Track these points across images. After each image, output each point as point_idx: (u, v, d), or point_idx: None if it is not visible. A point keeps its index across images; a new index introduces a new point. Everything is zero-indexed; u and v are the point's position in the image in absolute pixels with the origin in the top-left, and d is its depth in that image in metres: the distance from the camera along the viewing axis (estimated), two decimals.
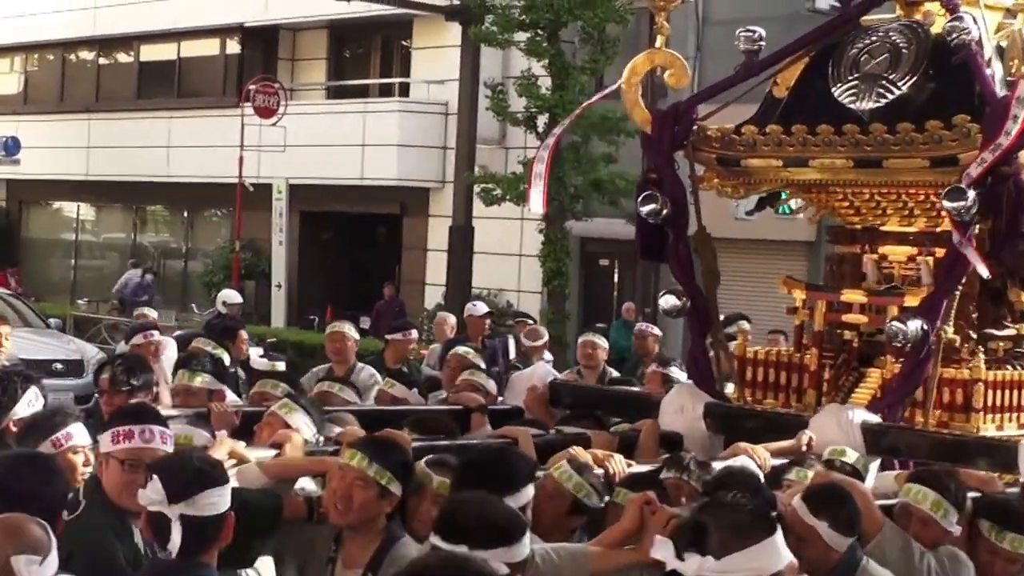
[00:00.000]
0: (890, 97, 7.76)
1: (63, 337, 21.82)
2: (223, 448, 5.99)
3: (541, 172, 8.70)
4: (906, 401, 7.64)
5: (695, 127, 8.20)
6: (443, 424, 7.38)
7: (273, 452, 6.20)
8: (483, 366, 9.68)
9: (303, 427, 6.55)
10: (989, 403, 7.69)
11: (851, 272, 8.34)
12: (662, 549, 3.74)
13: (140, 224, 37.17)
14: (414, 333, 12.34)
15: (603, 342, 12.10)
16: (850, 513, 5.42)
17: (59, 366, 18.82)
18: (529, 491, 5.11)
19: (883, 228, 8.27)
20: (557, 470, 5.64)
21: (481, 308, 15.70)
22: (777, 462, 6.74)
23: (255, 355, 11.36)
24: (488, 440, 7.18)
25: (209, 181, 31.31)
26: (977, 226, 7.26)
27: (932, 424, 7.62)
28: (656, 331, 13.88)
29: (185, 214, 35.54)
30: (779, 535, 3.72)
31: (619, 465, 6.41)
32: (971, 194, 7.02)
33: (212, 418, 6.98)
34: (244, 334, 12.04)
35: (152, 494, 4.47)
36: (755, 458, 6.67)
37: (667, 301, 8.22)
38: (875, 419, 7.41)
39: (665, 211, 7.99)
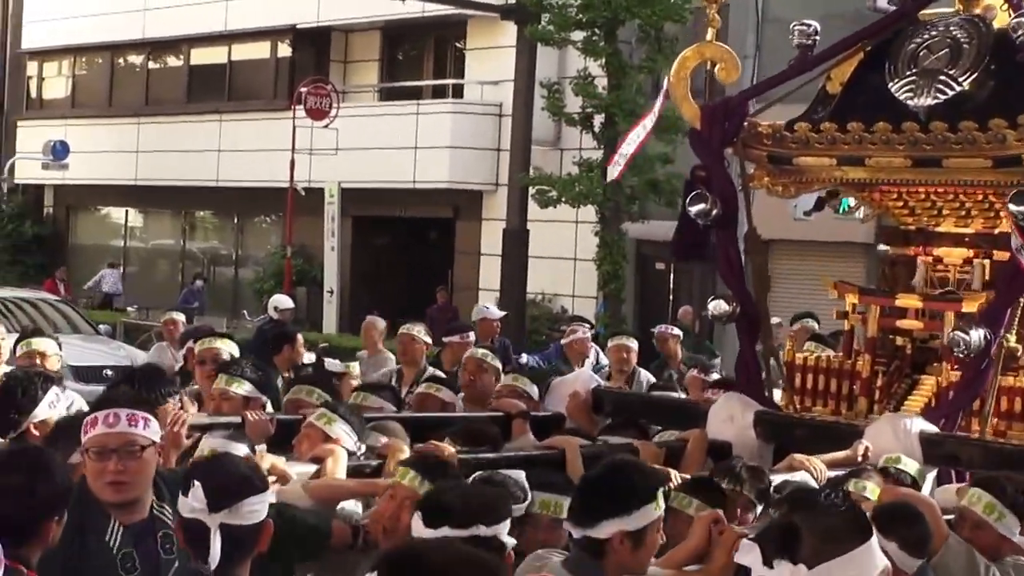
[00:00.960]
0: (950, 93, 7.66)
1: (113, 343, 22.00)
2: (263, 464, 5.86)
3: (635, 140, 8.75)
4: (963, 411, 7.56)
5: (746, 123, 8.09)
6: (487, 434, 7.23)
7: (314, 467, 6.14)
8: (500, 367, 9.57)
9: (343, 437, 6.48)
10: None
11: (904, 275, 8.24)
12: (748, 554, 3.60)
13: (189, 230, 37.43)
14: (472, 336, 12.30)
15: (634, 344, 12.08)
16: (921, 533, 5.29)
17: (109, 372, 18.99)
18: (648, 511, 4.76)
19: (938, 229, 8.16)
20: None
21: (495, 312, 15.69)
22: (833, 473, 6.65)
23: (327, 359, 11.34)
24: (531, 452, 7.12)
25: (260, 185, 31.51)
26: None
27: (989, 433, 7.50)
28: (676, 332, 14.03)
29: (235, 219, 35.71)
30: (875, 540, 3.59)
31: (676, 478, 6.28)
32: None
33: (248, 427, 6.87)
34: (300, 338, 12.01)
35: (193, 502, 4.36)
36: (812, 470, 6.62)
37: (717, 306, 8.12)
38: (933, 428, 7.32)
39: (715, 211, 7.90)
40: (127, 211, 38.79)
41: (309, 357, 12.67)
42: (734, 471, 6.09)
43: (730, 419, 7.89)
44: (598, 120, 23.21)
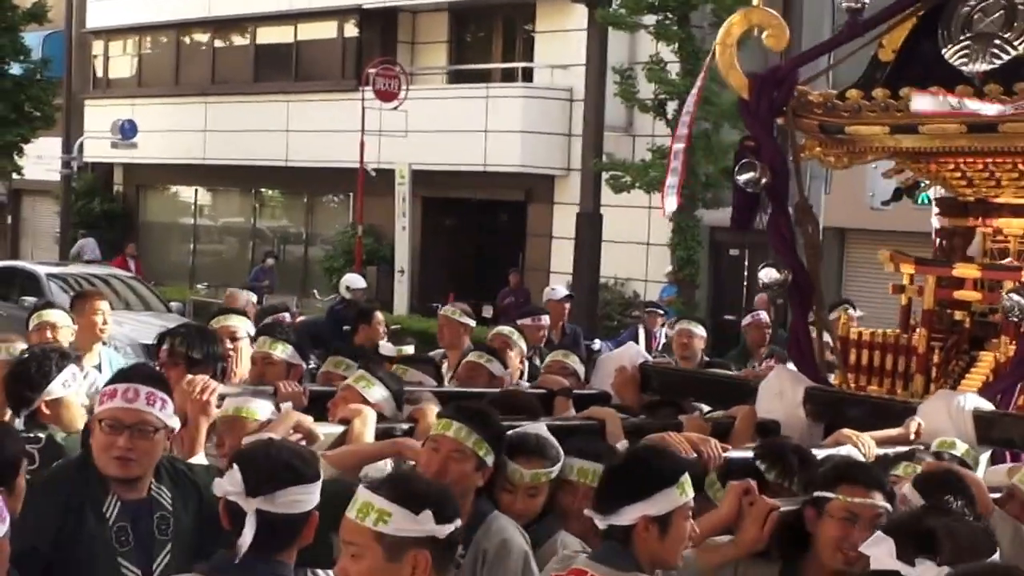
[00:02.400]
0: (1005, 58, 7.46)
1: (184, 321, 22.68)
2: (289, 421, 5.85)
3: (677, 168, 8.51)
4: (1021, 387, 7.38)
5: (796, 92, 7.92)
6: (525, 403, 7.07)
7: (341, 428, 6.06)
8: (524, 346, 9.46)
9: (383, 403, 6.41)
10: None
11: (962, 247, 8.07)
12: (881, 546, 3.67)
13: (259, 208, 37.99)
14: (545, 319, 12.26)
15: (701, 331, 11.72)
16: (964, 501, 5.22)
17: None
18: (670, 495, 4.64)
19: (997, 200, 7.95)
20: (449, 427, 5.35)
21: (560, 292, 15.39)
22: (883, 451, 6.54)
23: (382, 343, 11.01)
24: (571, 421, 7.03)
25: (328, 166, 31.97)
26: None
27: None
28: (767, 320, 13.48)
29: (305, 199, 36.19)
30: (997, 554, 3.64)
31: (715, 450, 6.16)
32: None
33: (280, 396, 6.73)
34: (380, 316, 12.02)
35: (229, 485, 4.31)
36: (860, 446, 6.46)
37: (767, 274, 7.96)
38: (988, 406, 7.13)
39: (764, 180, 7.76)
40: (196, 190, 39.40)
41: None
42: (784, 459, 5.75)
43: (780, 395, 7.74)
44: (671, 106, 23.33)
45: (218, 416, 6.00)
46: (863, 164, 8.52)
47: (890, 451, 6.54)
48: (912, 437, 6.92)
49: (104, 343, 9.69)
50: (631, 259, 27.72)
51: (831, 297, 23.85)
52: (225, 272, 34.92)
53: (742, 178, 7.80)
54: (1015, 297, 7.09)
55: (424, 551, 3.77)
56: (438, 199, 31.46)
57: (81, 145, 36.82)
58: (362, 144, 28.83)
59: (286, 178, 35.20)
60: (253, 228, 37.68)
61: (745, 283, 26.72)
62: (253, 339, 8.35)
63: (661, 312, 19.05)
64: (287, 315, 11.32)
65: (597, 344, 16.50)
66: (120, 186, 40.77)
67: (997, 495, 5.90)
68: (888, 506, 4.97)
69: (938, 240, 8.35)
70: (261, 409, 5.94)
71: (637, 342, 15.32)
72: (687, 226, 24.02)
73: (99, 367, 9.22)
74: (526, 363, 9.83)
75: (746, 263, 26.82)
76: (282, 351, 7.61)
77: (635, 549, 4.57)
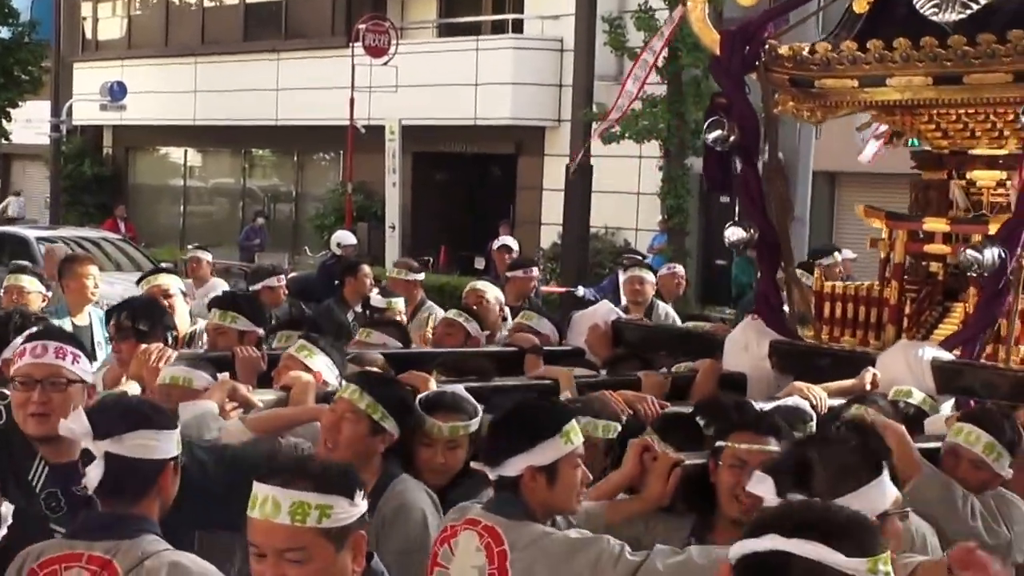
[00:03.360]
0: (975, 7, 7.34)
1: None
2: (224, 388, 5.88)
3: (622, 105, 8.76)
4: (987, 337, 7.31)
5: (767, 47, 7.85)
6: (474, 364, 7.06)
7: (279, 395, 6.03)
8: (501, 297, 9.48)
9: (324, 370, 6.40)
10: None
11: (937, 199, 8.01)
12: (761, 484, 3.62)
13: (249, 168, 38.24)
14: (535, 271, 12.42)
15: (650, 276, 11.84)
16: (873, 446, 5.01)
17: None
18: (555, 444, 4.64)
19: (972, 152, 7.88)
20: (347, 390, 5.36)
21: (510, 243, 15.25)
22: (836, 402, 6.47)
23: (373, 293, 11.10)
24: (521, 382, 7.01)
25: (318, 123, 32.16)
26: None
27: (1016, 362, 7.29)
28: (681, 271, 13.53)
29: (295, 157, 36.44)
30: (886, 475, 3.61)
31: (651, 406, 6.23)
32: None
33: (237, 363, 6.78)
34: (366, 269, 12.15)
35: (74, 424, 4.29)
36: (810, 397, 6.40)
37: (733, 233, 7.94)
38: (948, 356, 7.11)
39: (732, 137, 7.71)
40: (186, 151, 39.63)
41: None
42: (719, 411, 5.56)
43: (745, 349, 7.73)
44: (661, 55, 23.53)
45: (156, 385, 6.08)
46: (837, 118, 8.50)
47: (843, 401, 6.42)
48: (868, 388, 6.87)
49: (96, 304, 9.99)
50: (621, 208, 27.90)
51: (821, 241, 24.07)
52: (216, 232, 35.13)
53: (710, 136, 7.77)
54: (971, 253, 7.02)
55: (360, 530, 3.64)
56: (428, 154, 31.65)
57: (70, 108, 36.95)
58: (352, 101, 28.98)
59: (276, 137, 35.41)
60: (243, 188, 37.93)
61: None
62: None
63: (640, 258, 19.10)
64: (277, 279, 11.21)
65: (581, 291, 16.60)
66: (110, 148, 40.95)
67: (932, 444, 5.85)
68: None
69: (913, 193, 8.32)
70: (197, 377, 6.02)
71: (617, 289, 15.15)
72: (677, 175, 24.23)
73: (90, 327, 9.63)
74: (508, 311, 9.94)
75: (736, 210, 26.92)
76: (232, 321, 7.53)
77: (525, 498, 4.58)
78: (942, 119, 7.99)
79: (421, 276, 11.04)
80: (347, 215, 29.45)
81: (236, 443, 5.39)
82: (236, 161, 38.50)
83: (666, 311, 11.82)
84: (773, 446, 4.91)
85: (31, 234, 23.71)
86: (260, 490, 3.56)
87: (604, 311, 8.77)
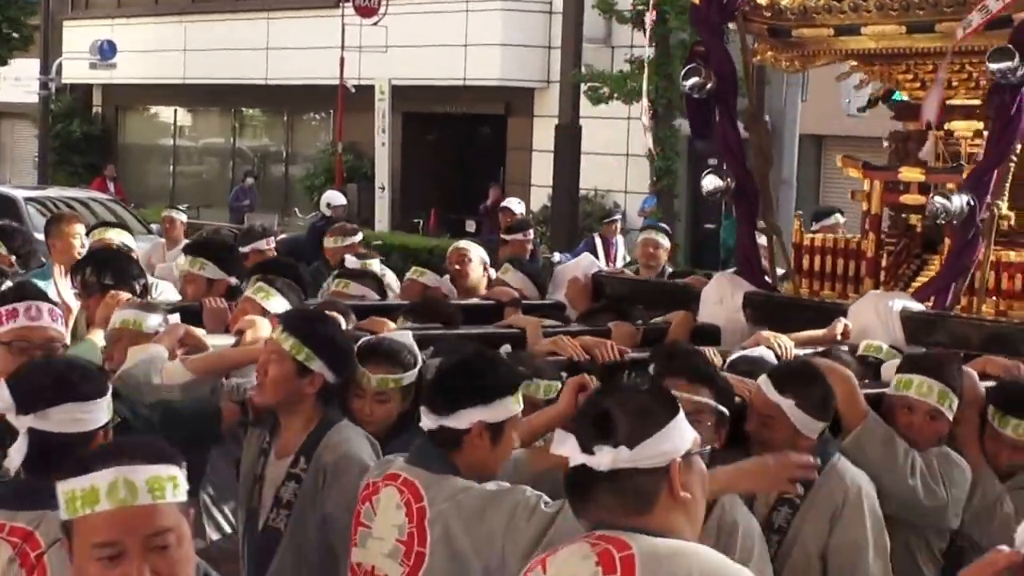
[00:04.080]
0: None
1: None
2: (175, 333, 5.77)
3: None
4: (961, 288, 7.22)
5: None
6: (440, 311, 7.03)
7: (232, 339, 5.93)
8: (485, 256, 9.33)
9: (281, 312, 6.19)
10: None
11: (916, 150, 7.85)
12: (564, 443, 3.43)
13: (239, 128, 38.33)
14: (531, 233, 12.44)
15: (665, 241, 11.64)
16: (822, 394, 5.11)
17: None
18: (508, 404, 4.54)
19: (949, 102, 7.73)
20: (275, 331, 5.29)
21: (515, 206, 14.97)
22: (803, 352, 6.36)
23: (347, 256, 10.80)
24: (486, 330, 6.89)
25: (309, 83, 32.25)
26: None
27: (989, 312, 7.21)
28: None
29: (285, 117, 36.58)
30: (682, 415, 3.46)
31: (610, 352, 6.16)
32: (1017, 54, 6.65)
33: (205, 314, 6.67)
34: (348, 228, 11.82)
35: None
36: (775, 347, 6.30)
37: (710, 181, 7.83)
38: (919, 307, 7.05)
39: (709, 85, 7.63)
40: (176, 110, 39.71)
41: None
42: (668, 354, 5.48)
43: (720, 301, 7.66)
44: (649, 18, 23.51)
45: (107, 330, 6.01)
46: (816, 68, 8.52)
47: (810, 351, 6.36)
48: (839, 338, 6.84)
49: None
50: (611, 170, 28.06)
51: (808, 204, 24.19)
52: (205, 193, 35.30)
53: (687, 83, 7.67)
54: (939, 200, 6.93)
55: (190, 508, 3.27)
56: (418, 114, 31.78)
57: (59, 66, 36.89)
58: (342, 61, 29.09)
59: (266, 97, 35.49)
60: (233, 148, 38.02)
61: None
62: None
63: (616, 219, 19.14)
64: (266, 242, 11.12)
65: (556, 256, 16.64)
66: (99, 107, 40.99)
67: (880, 390, 5.70)
68: (712, 402, 4.87)
69: (893, 144, 8.24)
70: (148, 321, 5.86)
71: (594, 252, 15.44)
72: (666, 136, 24.30)
73: None
74: (494, 272, 9.98)
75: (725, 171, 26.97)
76: (201, 268, 7.36)
77: (460, 453, 4.46)
78: (919, 69, 7.96)
79: (358, 237, 10.90)
80: (337, 175, 29.53)
81: (176, 386, 5.37)
82: (226, 121, 38.60)
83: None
84: (705, 397, 4.85)
85: (19, 194, 23.63)
86: (99, 478, 3.05)
87: (585, 264, 8.68)
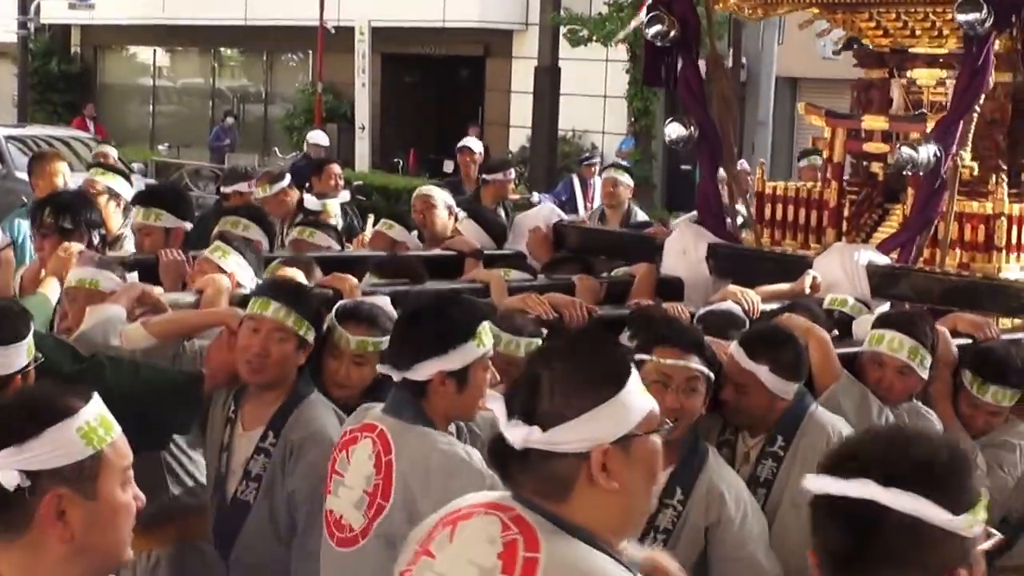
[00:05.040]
0: None
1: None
2: (132, 292, 5.58)
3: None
4: (924, 240, 7.17)
5: None
6: (407, 267, 6.84)
7: (192, 298, 5.78)
8: (450, 201, 8.84)
9: (238, 271, 6.11)
10: (1013, 241, 7.28)
11: (878, 99, 7.83)
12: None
13: (218, 68, 38.35)
14: (512, 173, 12.49)
15: (626, 179, 11.71)
16: (795, 356, 5.07)
17: None
18: (468, 350, 4.47)
19: (912, 51, 7.76)
20: (268, 307, 5.11)
21: (474, 145, 14.70)
22: (771, 307, 6.28)
23: (307, 196, 10.76)
24: (451, 285, 6.72)
25: (288, 24, 32.29)
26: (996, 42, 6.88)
27: (952, 265, 7.18)
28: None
29: (264, 57, 36.61)
30: (631, 385, 2.98)
31: (579, 311, 5.94)
32: (985, 5, 6.62)
33: (161, 268, 6.46)
34: (334, 168, 11.99)
35: None
36: (743, 302, 6.23)
37: (673, 130, 7.70)
38: (884, 260, 6.99)
39: (673, 32, 7.53)
40: (155, 50, 39.63)
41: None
42: (648, 322, 5.44)
43: (683, 252, 7.55)
44: None
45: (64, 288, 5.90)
46: (777, 16, 8.49)
47: (779, 305, 6.24)
48: (808, 291, 6.72)
49: None
50: (589, 112, 28.22)
51: (783, 146, 24.37)
52: (185, 132, 35.35)
53: (651, 31, 7.55)
54: (907, 150, 6.87)
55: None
56: (397, 56, 31.88)
57: (38, 6, 36.80)
58: (321, 1, 29.18)
59: (245, 37, 35.51)
60: (213, 88, 38.06)
61: None
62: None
63: (595, 161, 19.28)
64: (248, 184, 10.93)
65: (536, 197, 16.71)
66: (78, 47, 40.89)
67: (855, 349, 5.67)
68: (704, 369, 4.81)
69: (855, 92, 8.17)
70: (104, 279, 5.71)
71: (572, 193, 15.57)
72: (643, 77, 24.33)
73: None
74: (458, 214, 9.45)
75: None
76: (155, 219, 7.04)
77: (428, 402, 4.44)
78: (882, 17, 7.84)
79: (286, 182, 10.34)
80: (316, 116, 29.66)
81: (138, 352, 5.20)
82: (205, 61, 38.59)
83: (643, 216, 11.70)
84: (696, 363, 4.77)
85: None
86: None
87: (546, 213, 8.54)
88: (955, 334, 5.94)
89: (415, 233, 8.53)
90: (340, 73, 30.30)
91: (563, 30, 25.18)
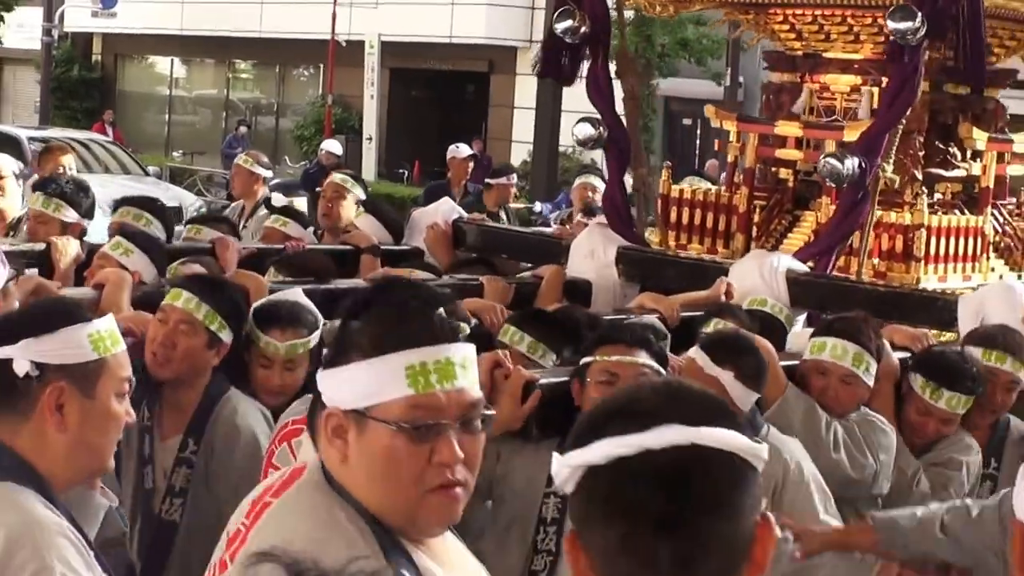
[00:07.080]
0: None
1: (161, 184, 23.12)
2: (27, 286, 5.10)
3: None
4: (842, 249, 6.96)
5: None
6: (313, 264, 6.51)
7: (92, 294, 5.37)
8: (360, 194, 8.37)
9: (142, 269, 5.72)
10: (931, 252, 7.04)
11: (789, 103, 7.60)
12: None
13: (232, 80, 38.84)
14: (515, 178, 12.58)
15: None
16: (757, 364, 4.74)
17: None
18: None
19: (826, 55, 7.53)
20: (179, 297, 4.75)
21: (464, 151, 14.57)
22: (689, 315, 6.04)
23: (275, 194, 10.72)
24: (354, 284, 6.28)
25: (301, 37, 32.68)
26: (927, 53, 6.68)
27: (869, 274, 6.97)
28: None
29: (277, 69, 37.05)
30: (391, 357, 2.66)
31: (498, 316, 5.73)
32: (920, 14, 6.41)
33: (54, 253, 6.12)
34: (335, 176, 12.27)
35: None
36: (660, 309, 6.04)
37: (581, 130, 7.37)
38: (803, 268, 6.72)
39: (583, 29, 7.21)
40: (172, 60, 40.10)
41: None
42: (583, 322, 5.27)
43: (591, 255, 7.18)
44: None
45: None
46: (688, 12, 8.18)
47: (700, 313, 5.96)
48: (723, 299, 6.36)
49: None
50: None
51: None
52: (199, 141, 35.76)
53: (560, 26, 7.22)
54: (831, 162, 6.61)
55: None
56: (405, 70, 32.36)
57: (62, 14, 37.06)
58: (334, 15, 29.62)
59: (259, 50, 35.97)
60: (226, 99, 38.57)
61: (697, 151, 27.38)
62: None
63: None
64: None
65: (537, 206, 16.80)
66: (99, 55, 41.33)
67: (792, 362, 5.34)
68: (654, 364, 4.47)
69: (765, 96, 7.91)
70: None
71: (571, 205, 15.38)
72: (643, 95, 24.59)
73: None
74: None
75: (699, 132, 27.45)
76: (55, 210, 6.69)
77: None
78: (796, 20, 7.60)
79: (269, 173, 10.35)
80: (326, 127, 30.02)
81: None
82: (220, 72, 39.09)
83: None
84: (645, 359, 4.46)
85: (22, 134, 23.89)
86: None
87: (445, 209, 8.03)
88: (892, 347, 5.62)
89: (310, 229, 8.22)
90: (350, 86, 30.79)
91: None
